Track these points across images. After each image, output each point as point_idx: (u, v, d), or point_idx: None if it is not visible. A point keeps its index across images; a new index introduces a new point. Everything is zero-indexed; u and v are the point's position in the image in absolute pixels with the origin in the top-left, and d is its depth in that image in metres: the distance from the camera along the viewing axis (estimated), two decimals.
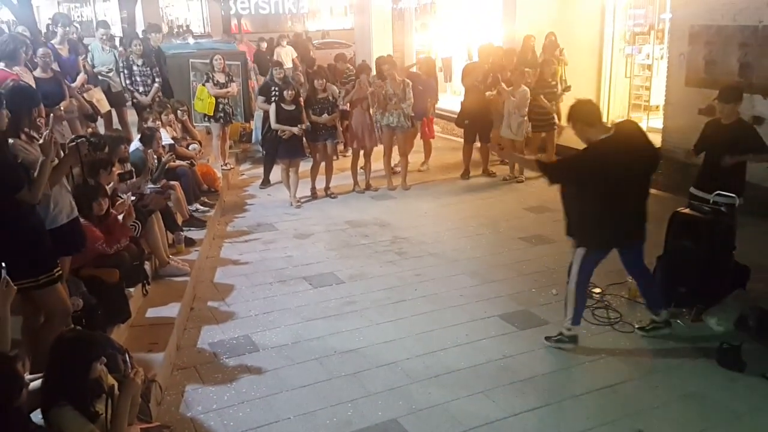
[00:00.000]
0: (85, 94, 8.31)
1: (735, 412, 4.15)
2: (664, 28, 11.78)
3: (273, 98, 8.83)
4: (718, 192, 5.44)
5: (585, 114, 4.64)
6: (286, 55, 14.83)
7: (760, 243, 6.42)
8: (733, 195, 5.38)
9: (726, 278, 5.32)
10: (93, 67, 9.12)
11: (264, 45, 15.73)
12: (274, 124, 8.65)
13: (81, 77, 8.32)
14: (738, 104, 5.64)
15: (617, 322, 5.31)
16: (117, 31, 19.35)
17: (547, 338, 5.01)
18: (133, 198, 5.90)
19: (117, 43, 11.07)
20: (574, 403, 4.28)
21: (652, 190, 8.58)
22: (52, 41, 8.70)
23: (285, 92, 8.61)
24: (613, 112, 13.04)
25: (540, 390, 4.44)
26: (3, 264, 3.00)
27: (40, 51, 7.37)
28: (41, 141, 3.78)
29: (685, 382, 4.51)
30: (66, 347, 2.99)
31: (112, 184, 5.69)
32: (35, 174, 3.71)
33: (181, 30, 23.96)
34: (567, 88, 10.25)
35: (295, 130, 8.53)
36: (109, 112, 9.44)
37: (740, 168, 5.60)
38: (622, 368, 4.68)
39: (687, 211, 5.48)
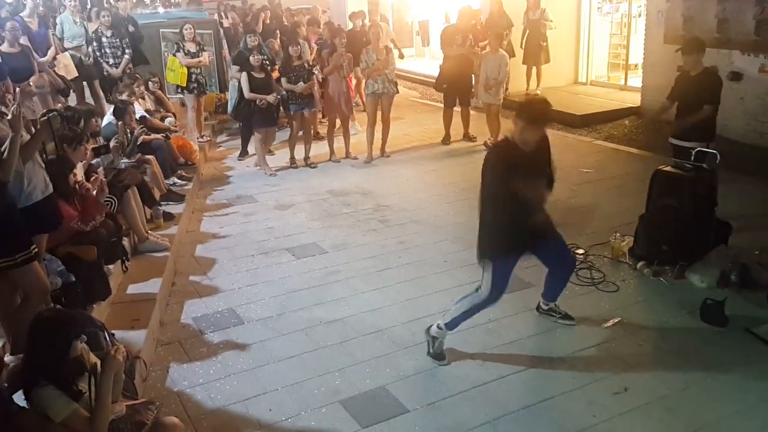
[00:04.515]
0: (55, 62, 8.12)
1: (720, 367, 4.19)
2: None
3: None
4: (698, 149, 5.49)
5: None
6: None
7: (740, 198, 6.47)
8: (715, 151, 5.43)
9: (708, 235, 5.36)
10: (61, 39, 8.88)
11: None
12: (248, 94, 8.49)
13: (51, 51, 8.10)
14: (700, 54, 5.83)
15: (600, 282, 5.33)
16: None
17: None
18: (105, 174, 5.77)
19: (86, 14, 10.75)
20: (561, 364, 4.30)
21: (633, 150, 8.65)
22: (21, 14, 8.44)
23: (252, 58, 8.43)
24: (593, 72, 13.03)
25: (527, 352, 4.45)
26: None
27: (8, 24, 7.14)
28: (9, 116, 3.66)
29: (670, 338, 4.55)
30: (45, 327, 2.91)
31: (85, 160, 5.56)
32: (5, 151, 3.59)
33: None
34: None
35: (270, 98, 8.40)
36: (81, 84, 9.22)
37: (712, 116, 5.89)
38: (606, 327, 4.69)
39: (669, 169, 5.49)
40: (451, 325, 4.36)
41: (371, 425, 3.78)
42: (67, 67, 8.41)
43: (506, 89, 10.00)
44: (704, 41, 6.09)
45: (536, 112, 4.06)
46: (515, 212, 4.03)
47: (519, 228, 4.08)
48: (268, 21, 12.72)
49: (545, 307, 4.82)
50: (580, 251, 5.79)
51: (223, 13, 12.99)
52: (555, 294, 4.75)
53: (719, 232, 5.44)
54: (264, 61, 8.68)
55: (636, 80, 11.66)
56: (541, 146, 4.17)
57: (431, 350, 4.41)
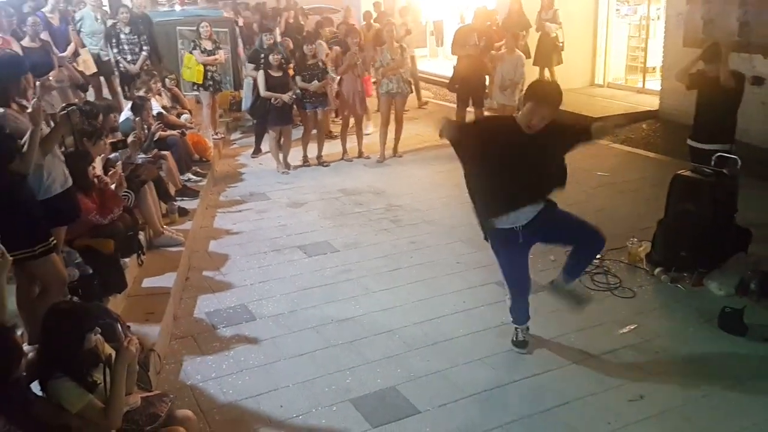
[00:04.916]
0: (77, 58, 8.19)
1: (738, 377, 4.12)
2: None
3: (261, 65, 8.68)
4: (719, 154, 5.44)
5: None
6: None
7: (760, 205, 6.39)
8: (735, 157, 5.36)
9: (727, 241, 5.29)
10: (78, 32, 8.94)
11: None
12: (263, 92, 8.49)
13: (71, 47, 8.17)
14: (718, 63, 5.75)
15: (617, 288, 5.28)
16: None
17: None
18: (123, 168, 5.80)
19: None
20: (575, 369, 4.25)
21: (651, 154, 8.54)
22: (43, 9, 8.51)
23: (270, 57, 8.44)
24: (610, 74, 12.93)
25: (539, 356, 4.41)
26: None
27: (30, 20, 7.21)
28: (30, 110, 3.70)
29: (687, 347, 4.49)
30: (59, 319, 2.91)
31: (104, 154, 5.58)
32: (25, 144, 3.62)
33: None
34: None
35: (285, 97, 8.39)
36: (99, 80, 9.27)
37: (732, 117, 5.86)
38: (622, 334, 4.65)
39: (688, 173, 5.43)
40: (515, 320, 4.51)
41: (382, 425, 3.77)
42: (86, 63, 8.49)
43: (522, 90, 9.94)
44: (722, 46, 5.98)
45: (545, 92, 3.97)
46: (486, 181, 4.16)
47: (493, 196, 4.18)
48: (291, 20, 12.73)
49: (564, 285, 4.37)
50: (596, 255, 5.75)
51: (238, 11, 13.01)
52: (572, 271, 4.31)
53: (739, 238, 5.36)
54: (282, 60, 8.68)
55: (654, 83, 11.57)
56: (551, 143, 3.97)
57: (512, 339, 4.51)
